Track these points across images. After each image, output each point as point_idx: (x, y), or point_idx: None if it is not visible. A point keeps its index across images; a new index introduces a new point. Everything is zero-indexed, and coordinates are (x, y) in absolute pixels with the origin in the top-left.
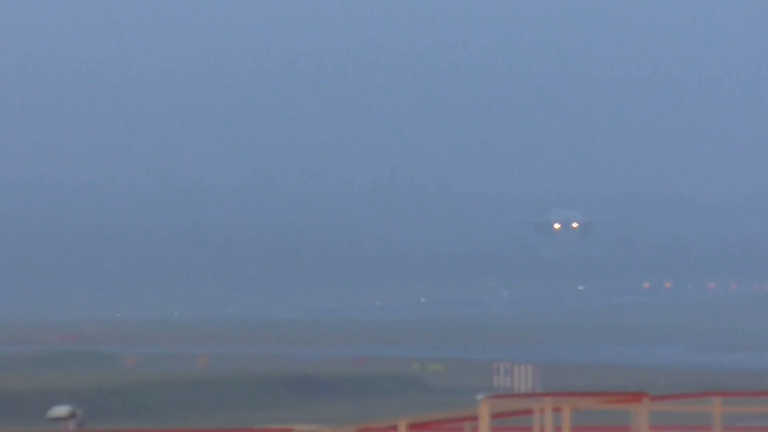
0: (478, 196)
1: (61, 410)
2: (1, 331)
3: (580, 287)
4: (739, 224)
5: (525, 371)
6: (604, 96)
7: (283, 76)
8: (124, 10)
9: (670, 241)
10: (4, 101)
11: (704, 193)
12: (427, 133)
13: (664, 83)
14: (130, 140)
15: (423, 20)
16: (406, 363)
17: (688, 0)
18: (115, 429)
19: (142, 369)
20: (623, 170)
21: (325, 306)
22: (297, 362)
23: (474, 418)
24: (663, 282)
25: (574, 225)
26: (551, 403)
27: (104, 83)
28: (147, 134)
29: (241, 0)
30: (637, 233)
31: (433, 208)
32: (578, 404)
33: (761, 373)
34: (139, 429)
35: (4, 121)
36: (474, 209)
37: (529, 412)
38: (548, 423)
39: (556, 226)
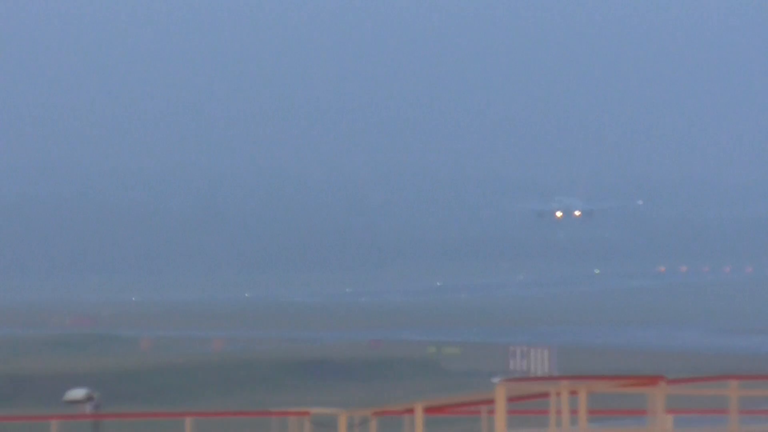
0: (495, 179)
1: (77, 393)
2: (17, 314)
3: (596, 271)
4: (755, 207)
5: (541, 354)
6: (623, 78)
7: (298, 59)
8: None
9: (686, 224)
10: (29, 87)
11: (721, 176)
12: (444, 117)
13: (678, 63)
14: (146, 123)
15: (433, 5)
16: (422, 346)
17: None
18: (131, 412)
19: (157, 352)
20: (640, 153)
21: (341, 289)
22: (313, 346)
23: (490, 402)
24: (679, 265)
25: (590, 209)
26: (567, 386)
27: (121, 70)
28: (164, 117)
29: None
30: (653, 217)
31: (448, 191)
32: (594, 387)
33: None
34: (155, 412)
35: (26, 106)
36: (490, 193)
37: (545, 395)
38: (564, 406)
39: (575, 212)
